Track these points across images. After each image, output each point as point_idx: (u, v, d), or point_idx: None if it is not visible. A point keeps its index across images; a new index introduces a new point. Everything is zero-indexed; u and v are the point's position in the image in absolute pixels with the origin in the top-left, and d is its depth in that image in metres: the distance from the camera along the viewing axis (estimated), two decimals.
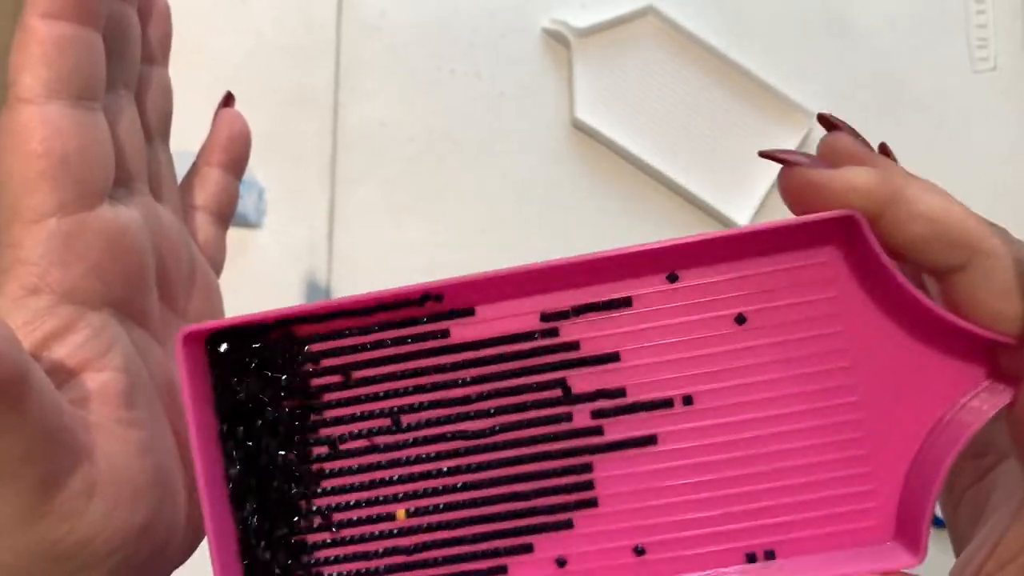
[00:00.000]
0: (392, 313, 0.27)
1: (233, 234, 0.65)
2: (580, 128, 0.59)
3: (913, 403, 0.28)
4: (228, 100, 0.32)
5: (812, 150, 0.68)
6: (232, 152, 0.30)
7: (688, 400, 0.27)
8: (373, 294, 0.28)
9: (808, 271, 0.29)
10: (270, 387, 0.27)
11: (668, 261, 0.27)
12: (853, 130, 0.24)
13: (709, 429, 0.27)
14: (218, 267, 0.30)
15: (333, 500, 0.26)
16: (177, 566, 0.26)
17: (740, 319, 0.27)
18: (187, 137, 0.65)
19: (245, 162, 0.31)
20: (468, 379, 0.27)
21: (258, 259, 0.56)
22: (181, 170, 0.62)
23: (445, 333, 0.27)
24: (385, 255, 0.58)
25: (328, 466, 0.27)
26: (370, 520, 0.26)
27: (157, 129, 0.28)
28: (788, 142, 0.64)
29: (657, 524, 0.26)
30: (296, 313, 0.26)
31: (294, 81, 0.59)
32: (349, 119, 0.59)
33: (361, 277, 0.57)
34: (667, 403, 0.26)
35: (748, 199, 0.63)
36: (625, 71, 0.64)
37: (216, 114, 0.31)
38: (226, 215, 0.31)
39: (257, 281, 0.57)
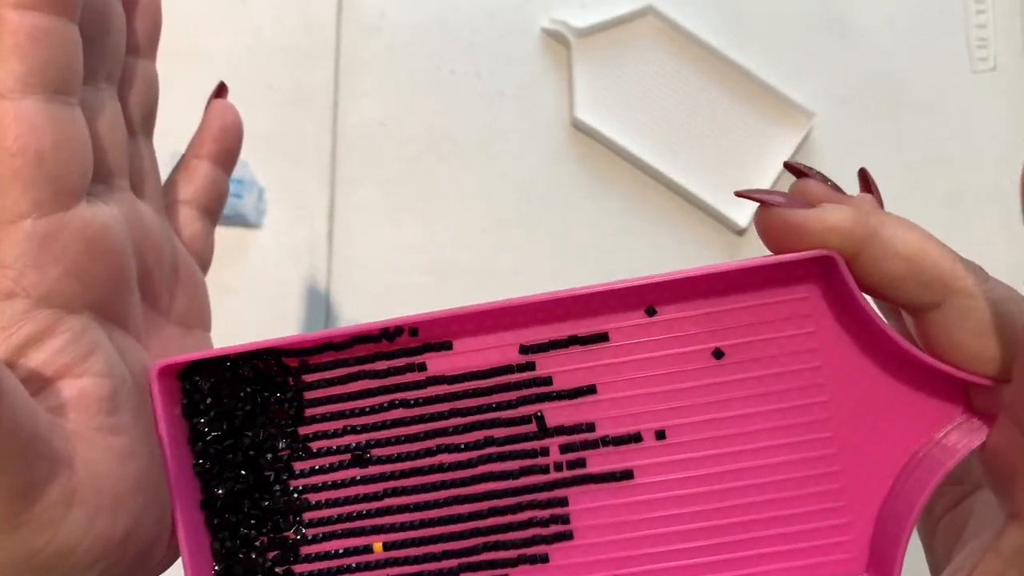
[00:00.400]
0: (369, 346, 0.28)
1: (233, 234, 0.65)
2: (580, 128, 0.59)
3: (888, 438, 0.28)
4: (220, 91, 0.31)
5: (812, 151, 0.67)
6: (223, 143, 0.30)
7: (661, 435, 0.27)
8: (349, 329, 0.28)
9: (786, 307, 0.29)
10: (246, 418, 0.27)
11: (647, 297, 0.27)
12: (822, 175, 0.24)
13: (684, 463, 0.27)
14: (205, 264, 0.30)
15: (309, 532, 0.27)
16: (162, 571, 0.26)
17: (718, 353, 0.27)
18: (187, 138, 0.67)
19: (236, 155, 0.30)
20: (445, 412, 0.28)
21: (258, 259, 0.56)
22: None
23: (422, 366, 0.27)
24: (385, 255, 0.58)
25: (304, 497, 0.27)
26: (347, 553, 0.27)
27: (140, 123, 0.27)
28: (788, 142, 0.63)
29: (633, 556, 0.27)
30: (270, 347, 0.26)
31: (294, 81, 0.59)
32: (349, 119, 0.59)
33: (361, 277, 0.57)
34: (637, 438, 0.26)
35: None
36: (625, 71, 0.64)
37: (208, 104, 0.30)
38: (214, 210, 0.30)
39: (257, 281, 0.57)
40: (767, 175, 0.58)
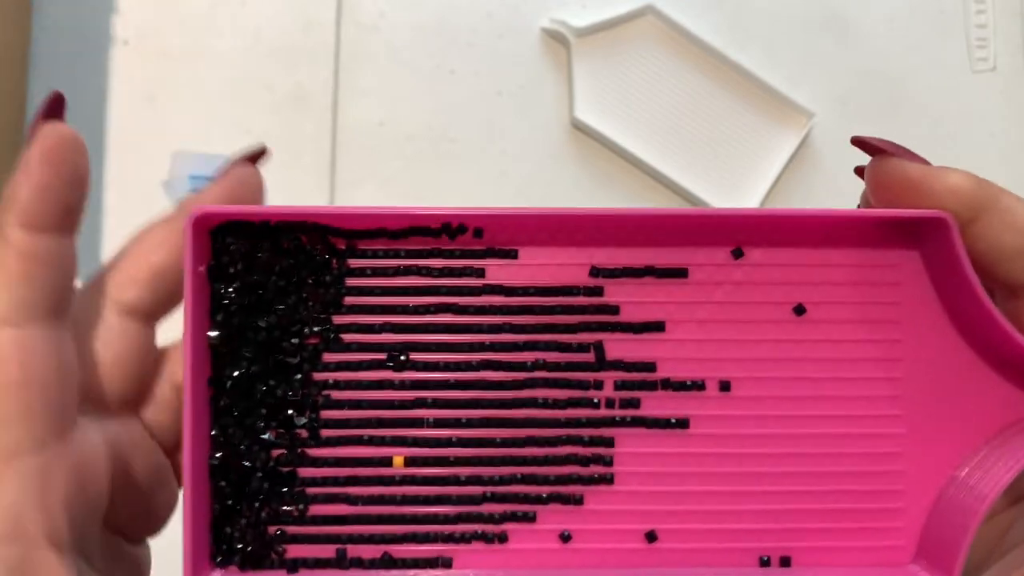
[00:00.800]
0: (427, 240, 0.24)
1: None
2: (579, 128, 0.58)
3: (959, 424, 0.26)
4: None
5: (812, 151, 0.65)
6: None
7: (725, 386, 0.25)
8: (407, 212, 0.25)
9: (880, 271, 0.26)
10: (277, 294, 0.24)
11: (737, 234, 0.24)
12: (909, 151, 0.22)
13: (744, 419, 0.25)
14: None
15: (324, 432, 0.24)
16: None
17: (799, 309, 0.25)
18: (187, 138, 0.63)
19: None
20: (498, 325, 0.25)
21: None
22: (190, 168, 0.59)
23: (481, 272, 0.25)
24: None
25: (325, 393, 0.24)
26: (362, 462, 0.24)
27: None
28: (788, 142, 0.62)
29: (673, 512, 0.24)
30: (319, 219, 0.23)
31: (293, 81, 0.58)
32: (348, 119, 0.58)
33: None
34: (699, 385, 0.25)
35: (748, 198, 0.61)
36: (624, 71, 0.62)
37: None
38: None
39: None
40: (767, 175, 0.57)
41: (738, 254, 0.25)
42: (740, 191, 0.62)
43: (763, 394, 0.25)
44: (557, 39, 0.60)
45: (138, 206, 0.52)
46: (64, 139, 0.19)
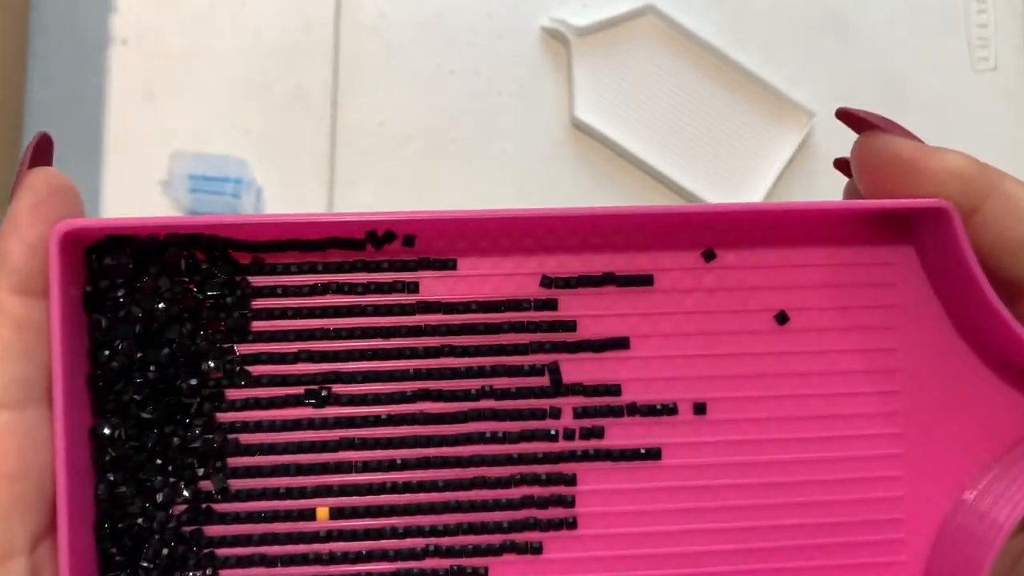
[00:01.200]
0: (348, 253, 0.21)
1: None
2: (579, 127, 0.57)
3: (965, 442, 0.23)
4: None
5: (812, 151, 0.63)
6: None
7: (700, 408, 0.23)
8: (321, 219, 0.22)
9: (871, 271, 0.23)
10: (169, 323, 0.20)
11: (707, 233, 0.21)
12: (901, 128, 0.20)
13: (723, 446, 0.22)
14: None
15: (233, 484, 0.20)
16: None
17: (781, 317, 0.22)
18: (186, 138, 0.56)
19: None
20: (435, 349, 0.21)
21: None
22: (189, 168, 0.56)
23: (414, 287, 0.21)
24: None
25: (232, 438, 0.20)
26: (279, 516, 0.20)
27: None
28: (788, 142, 0.61)
29: (646, 556, 0.21)
30: (217, 231, 0.20)
31: (292, 81, 0.56)
32: (347, 118, 0.58)
33: None
34: (671, 409, 0.23)
35: (748, 197, 0.60)
36: (625, 70, 0.61)
37: None
38: None
39: None
40: (768, 174, 0.59)
41: (709, 256, 0.22)
42: (741, 190, 0.60)
43: (743, 416, 0.23)
44: (557, 38, 0.60)
45: (137, 206, 0.50)
46: (55, 188, 0.17)
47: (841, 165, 0.24)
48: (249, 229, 0.21)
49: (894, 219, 0.21)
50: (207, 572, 0.21)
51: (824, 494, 0.23)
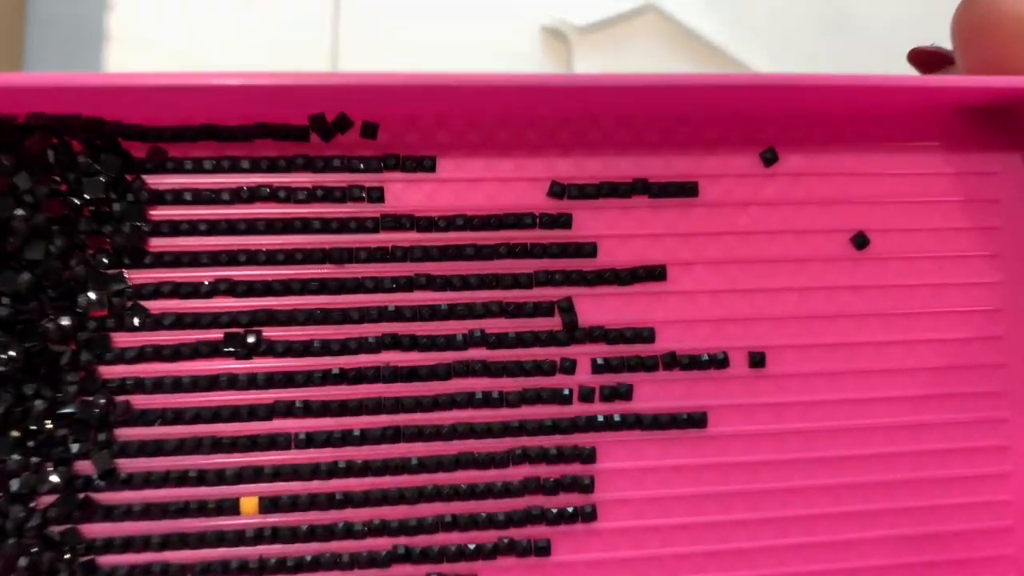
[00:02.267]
0: (286, 146, 0.14)
1: None
2: None
3: None
4: None
5: None
6: None
7: (758, 359, 0.18)
8: (244, 81, 0.16)
9: (970, 183, 0.18)
10: (36, 236, 0.14)
11: (768, 126, 0.16)
12: None
13: (785, 410, 0.19)
14: None
15: (124, 465, 0.14)
16: None
17: (860, 240, 0.19)
18: None
19: None
20: (406, 280, 0.15)
21: None
22: None
23: (377, 195, 0.15)
24: None
25: (123, 400, 0.17)
26: (190, 509, 0.14)
27: None
28: None
29: (686, 556, 0.16)
30: (98, 91, 0.13)
31: None
32: None
33: None
34: (720, 361, 0.18)
35: None
36: (626, 69, 0.59)
37: None
38: None
39: None
40: None
41: (770, 159, 0.18)
42: None
43: (812, 369, 0.18)
44: (558, 37, 0.57)
45: None
46: None
47: (919, 56, 0.19)
48: (145, 103, 0.15)
49: (999, 116, 0.18)
50: None
51: (912, 470, 0.18)
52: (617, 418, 0.17)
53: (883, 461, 0.18)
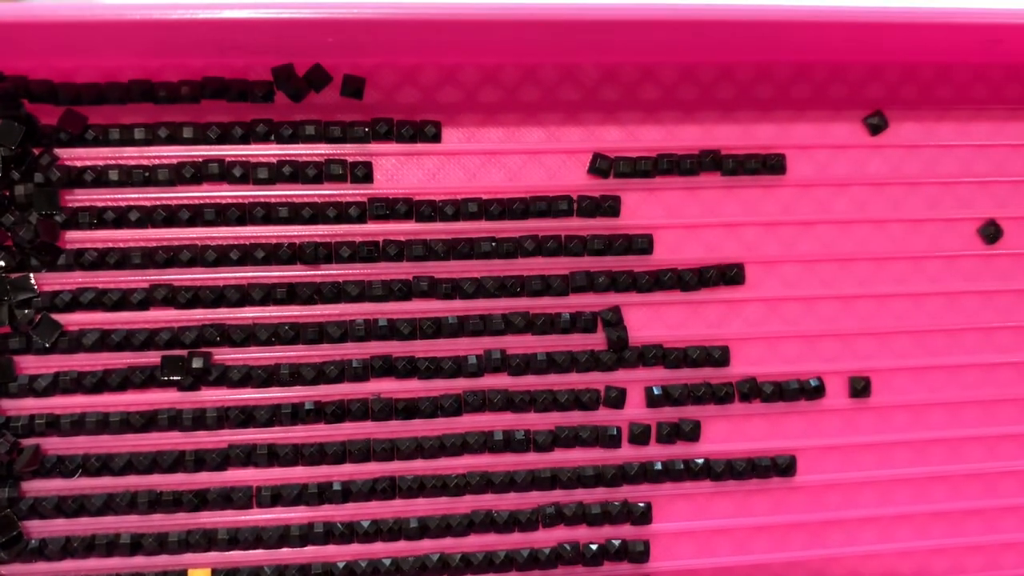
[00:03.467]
0: (242, 107, 0.10)
1: None
2: None
3: None
4: None
5: None
6: None
7: (861, 387, 0.15)
8: (182, 21, 0.12)
9: None
10: None
11: (873, 83, 0.15)
12: None
13: (892, 451, 0.15)
14: None
15: (54, 527, 0.10)
16: None
17: (991, 232, 0.15)
18: None
19: None
20: (402, 285, 0.11)
21: None
22: None
23: (364, 172, 0.11)
24: None
25: (43, 444, 0.12)
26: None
27: None
28: None
29: None
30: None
31: None
32: None
33: None
34: (815, 389, 0.15)
35: None
36: None
37: None
38: None
39: None
40: None
41: (877, 125, 0.14)
42: None
43: (927, 399, 0.15)
44: None
45: None
46: None
47: None
48: (55, 49, 0.12)
49: None
50: None
51: None
52: (679, 465, 0.13)
53: (1018, 515, 0.14)
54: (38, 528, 0.13)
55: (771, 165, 0.14)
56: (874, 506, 0.15)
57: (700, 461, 0.14)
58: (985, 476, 0.15)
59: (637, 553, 0.14)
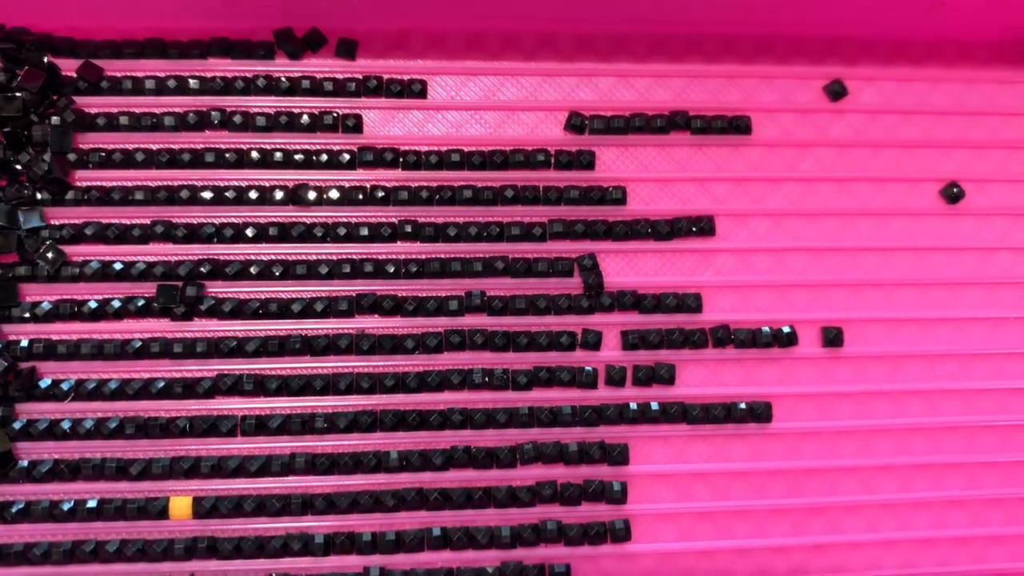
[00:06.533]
0: (245, 63, 0.11)
1: None
2: None
3: None
4: None
5: None
6: None
7: (833, 336, 0.15)
8: None
9: None
10: None
11: (831, 52, 0.13)
12: None
13: (869, 400, 0.15)
14: None
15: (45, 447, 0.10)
16: None
17: (952, 193, 0.15)
18: None
19: None
20: (388, 228, 0.12)
21: None
22: None
23: (354, 124, 0.13)
24: None
25: (40, 368, 0.10)
26: (131, 510, 0.11)
27: None
28: None
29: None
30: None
31: None
32: None
33: None
34: (786, 336, 0.15)
35: None
36: None
37: None
38: None
39: None
40: None
41: (838, 92, 0.15)
42: None
43: (904, 351, 0.15)
44: None
45: None
46: None
47: None
48: (77, 9, 0.13)
49: None
50: None
51: None
52: (655, 407, 0.14)
53: (999, 472, 0.14)
54: (28, 449, 0.14)
55: (737, 126, 0.15)
56: (855, 457, 0.15)
57: (676, 404, 0.14)
58: (964, 429, 0.15)
59: (614, 494, 0.14)
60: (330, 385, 0.15)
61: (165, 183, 0.15)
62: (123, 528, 0.14)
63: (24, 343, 0.15)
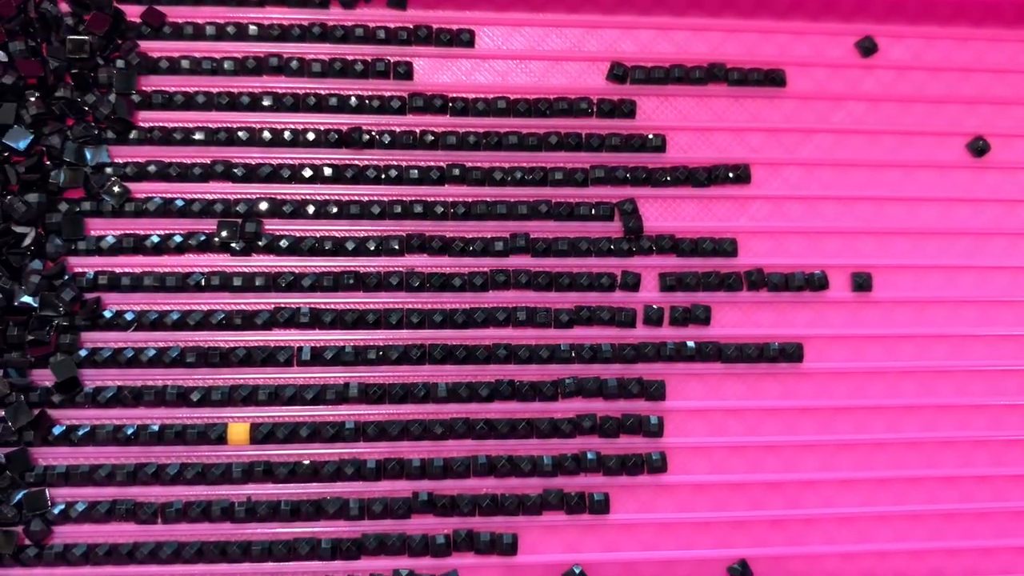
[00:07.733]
0: (301, 11, 0.12)
1: None
2: None
3: None
4: None
5: None
6: None
7: (862, 282, 0.16)
8: None
9: None
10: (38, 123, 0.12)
11: (861, 13, 0.16)
12: None
13: (897, 344, 0.16)
14: None
15: (106, 375, 0.11)
16: None
17: (979, 146, 0.16)
18: None
19: None
20: (436, 172, 0.12)
21: None
22: None
23: (404, 71, 0.13)
24: None
25: (104, 298, 0.11)
26: (190, 436, 0.11)
27: None
28: None
29: (765, 521, 0.12)
30: None
31: None
32: None
33: None
34: (818, 280, 0.15)
35: None
36: None
37: None
38: None
39: None
40: None
41: (869, 48, 0.16)
42: None
43: (926, 295, 0.16)
44: None
45: None
46: None
47: None
48: None
49: None
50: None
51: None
52: (691, 346, 0.14)
53: (1023, 414, 0.15)
54: (92, 376, 0.14)
55: (772, 78, 0.15)
56: (882, 397, 0.16)
57: (711, 344, 0.14)
58: (988, 373, 0.16)
59: (651, 428, 0.14)
60: (382, 319, 0.16)
61: (225, 125, 0.16)
62: (183, 452, 0.15)
63: (90, 275, 0.15)
